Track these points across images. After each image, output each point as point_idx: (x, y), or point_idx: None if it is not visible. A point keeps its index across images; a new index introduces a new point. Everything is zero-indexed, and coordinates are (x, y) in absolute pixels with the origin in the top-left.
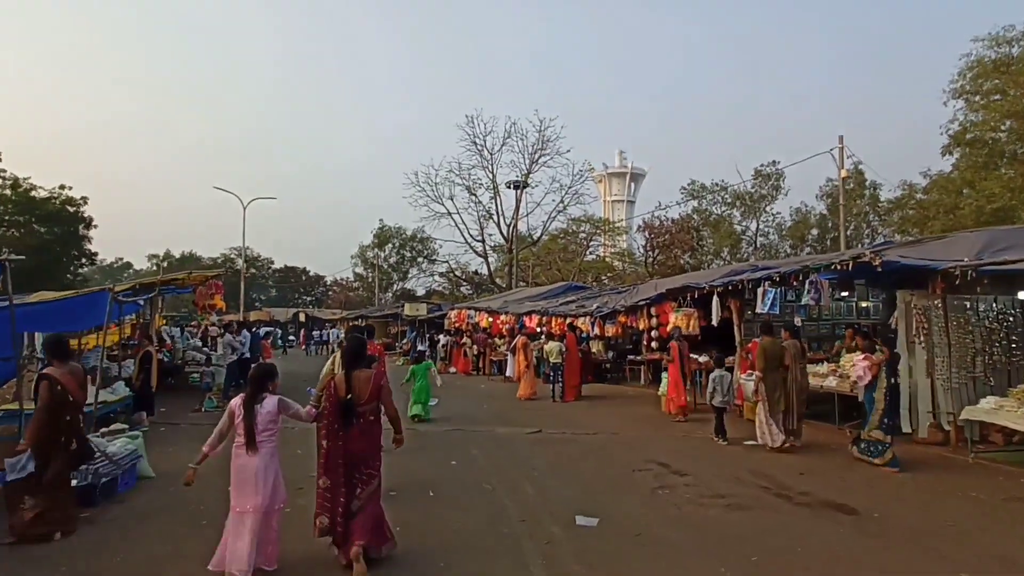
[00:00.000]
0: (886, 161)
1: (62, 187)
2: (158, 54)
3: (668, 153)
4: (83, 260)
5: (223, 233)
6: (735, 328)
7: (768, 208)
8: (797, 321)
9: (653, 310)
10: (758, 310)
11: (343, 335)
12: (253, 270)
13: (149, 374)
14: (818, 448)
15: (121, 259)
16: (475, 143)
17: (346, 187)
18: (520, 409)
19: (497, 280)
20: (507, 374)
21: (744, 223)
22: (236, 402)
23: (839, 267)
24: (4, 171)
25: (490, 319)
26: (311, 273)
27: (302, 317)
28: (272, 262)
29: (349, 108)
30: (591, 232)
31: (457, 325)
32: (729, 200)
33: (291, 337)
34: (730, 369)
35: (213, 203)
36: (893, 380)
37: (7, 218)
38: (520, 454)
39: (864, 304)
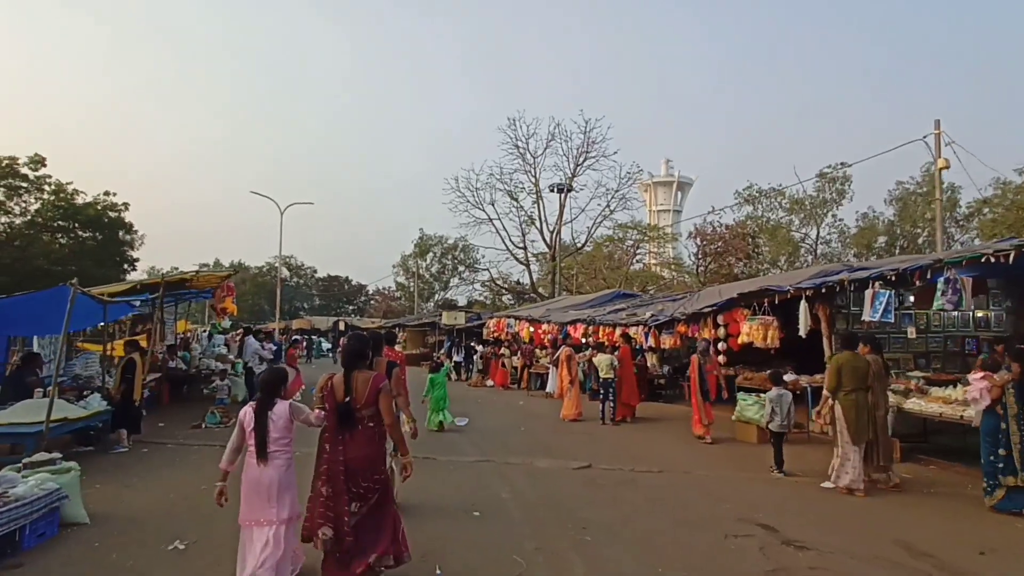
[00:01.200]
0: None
1: (106, 193)
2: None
3: (716, 162)
4: (125, 267)
5: (270, 242)
6: (824, 341)
7: (831, 213)
8: (911, 332)
9: (720, 318)
10: (866, 317)
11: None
12: (297, 279)
13: (131, 385)
14: (940, 495)
15: (176, 267)
16: (517, 146)
17: (390, 195)
18: (564, 433)
19: (540, 290)
20: (548, 390)
21: (804, 230)
22: (246, 411)
23: (993, 258)
24: (49, 176)
25: (531, 329)
26: (353, 282)
27: (341, 326)
28: (315, 271)
29: (391, 116)
30: (638, 240)
31: (495, 335)
32: (787, 205)
33: (327, 346)
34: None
35: (259, 213)
36: None
37: (52, 224)
38: (565, 502)
39: (980, 313)
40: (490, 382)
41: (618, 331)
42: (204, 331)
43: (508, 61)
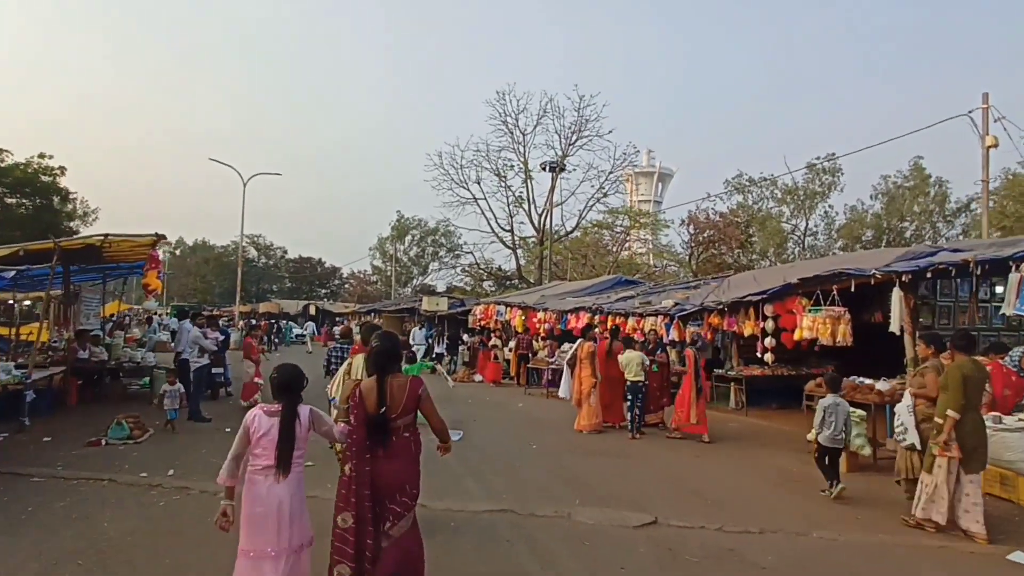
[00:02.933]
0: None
1: (40, 155)
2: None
3: (698, 154)
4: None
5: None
6: (907, 338)
7: (823, 205)
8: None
9: (769, 308)
10: (1009, 310)
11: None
12: (265, 259)
13: None
14: None
15: None
16: (505, 122)
17: (366, 174)
18: (591, 454)
19: (526, 276)
20: (561, 394)
21: (793, 221)
22: (258, 416)
23: None
24: None
25: (523, 317)
26: (327, 264)
27: (312, 310)
28: (286, 252)
29: (365, 90)
30: (629, 226)
31: (484, 323)
32: (779, 196)
33: (299, 331)
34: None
35: (227, 190)
36: None
37: None
38: None
39: None
40: (479, 377)
41: (631, 320)
42: (156, 314)
43: (484, 44)
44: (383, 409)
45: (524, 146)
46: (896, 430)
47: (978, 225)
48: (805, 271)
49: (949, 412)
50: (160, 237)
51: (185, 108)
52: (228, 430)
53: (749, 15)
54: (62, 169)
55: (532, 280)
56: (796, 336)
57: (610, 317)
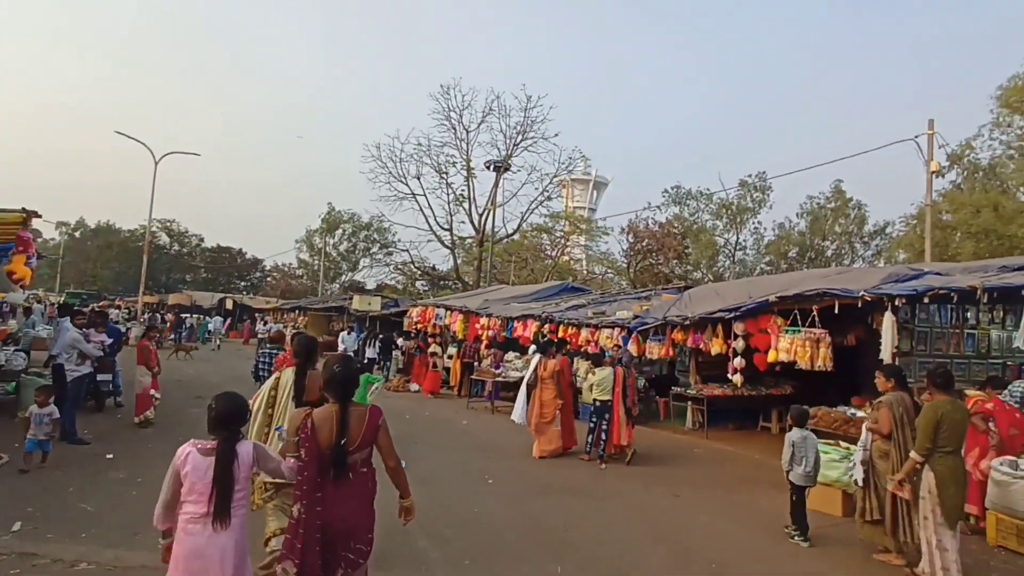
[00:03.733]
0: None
1: None
2: None
3: (631, 165)
4: None
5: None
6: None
7: (751, 220)
8: None
9: (739, 327)
10: (1020, 342)
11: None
12: (179, 247)
13: None
14: None
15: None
16: (449, 117)
17: (296, 163)
18: (558, 493)
19: (464, 278)
20: (515, 418)
21: (726, 235)
22: (187, 453)
23: None
24: None
25: (465, 321)
26: (248, 255)
27: (229, 304)
28: (202, 240)
29: (297, 72)
30: (569, 231)
31: (421, 326)
32: (714, 209)
33: (213, 326)
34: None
35: (139, 170)
36: None
37: None
38: None
39: None
40: (415, 386)
41: (585, 332)
42: (39, 303)
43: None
44: (343, 441)
45: (467, 143)
46: (858, 458)
47: (895, 246)
48: (772, 287)
49: (912, 454)
50: (30, 214)
51: (91, 74)
52: (110, 456)
53: (685, 32)
54: None
55: (469, 282)
56: (770, 358)
57: (561, 327)
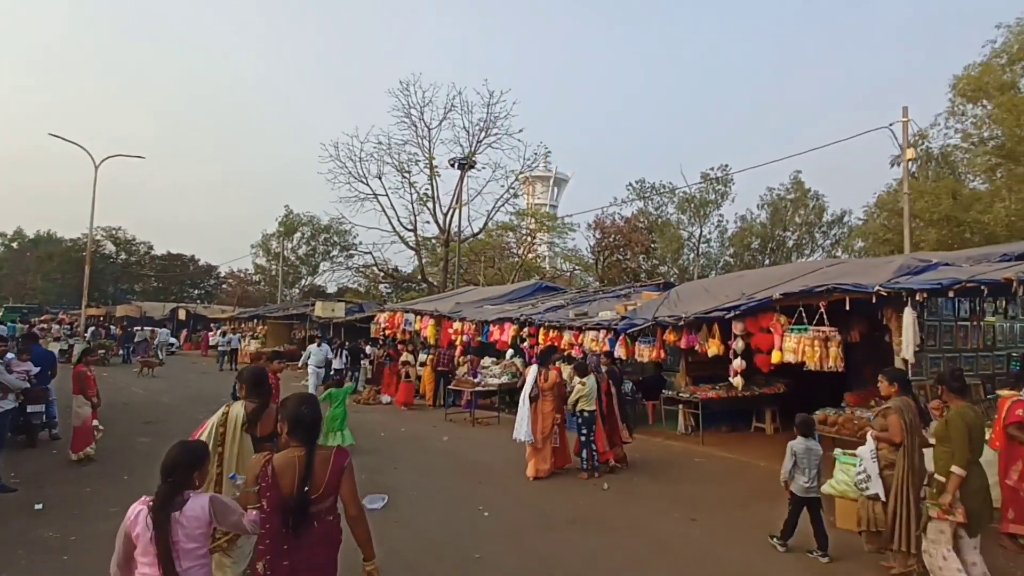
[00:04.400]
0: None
1: None
2: None
3: (593, 161)
4: None
5: (98, 213)
6: (898, 361)
7: (714, 213)
8: None
9: (738, 326)
10: None
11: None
12: (126, 255)
13: None
14: None
15: None
16: (410, 115)
17: (250, 164)
18: (565, 525)
19: (429, 279)
20: (519, 436)
21: (690, 229)
22: (140, 514)
23: None
24: None
25: (436, 327)
26: (201, 262)
27: (182, 314)
28: (151, 247)
29: (248, 67)
30: (535, 229)
31: (389, 332)
32: (678, 203)
33: (170, 339)
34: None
35: (80, 176)
36: None
37: None
38: None
39: None
40: (386, 397)
41: (567, 335)
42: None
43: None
44: (305, 488)
45: (430, 140)
46: (857, 477)
47: (854, 236)
48: (764, 282)
49: (955, 469)
50: None
51: (19, 75)
52: (39, 507)
53: (644, 23)
54: None
55: (435, 283)
56: (774, 359)
57: (541, 330)
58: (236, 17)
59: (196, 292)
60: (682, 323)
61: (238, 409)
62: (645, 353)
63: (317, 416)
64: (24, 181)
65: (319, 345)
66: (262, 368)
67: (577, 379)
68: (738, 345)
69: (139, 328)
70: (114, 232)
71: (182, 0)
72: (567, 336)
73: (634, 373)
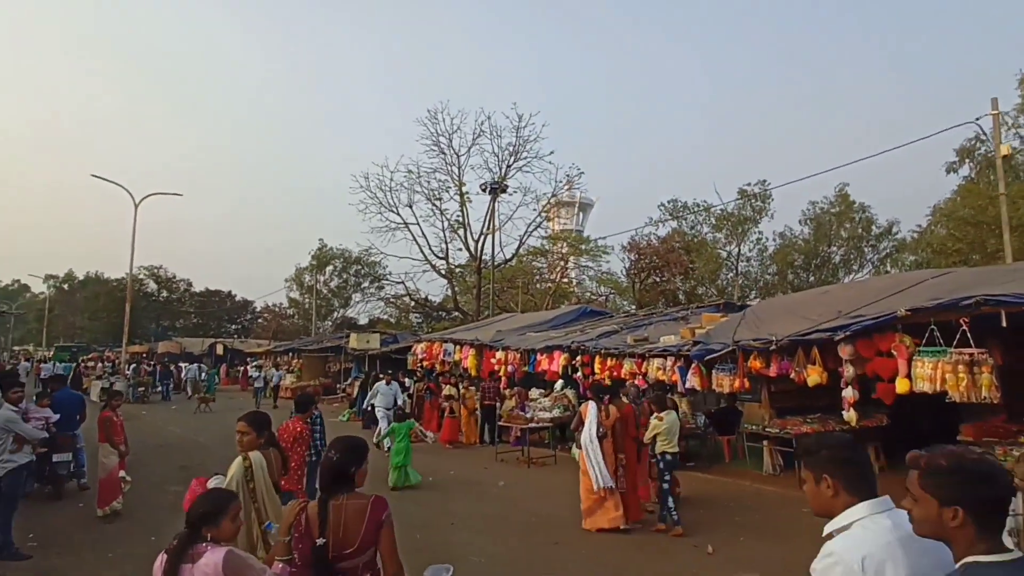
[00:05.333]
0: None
1: None
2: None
3: (619, 183)
4: None
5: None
6: None
7: (751, 231)
8: None
9: (845, 349)
10: None
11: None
12: (167, 293)
13: None
14: None
15: (18, 280)
16: (438, 143)
17: (282, 199)
18: None
19: (463, 307)
20: (599, 483)
21: (728, 248)
22: (161, 559)
23: None
24: None
25: (477, 356)
26: (237, 298)
27: (219, 349)
28: (190, 284)
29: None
30: (568, 253)
31: (428, 364)
32: (713, 222)
33: (205, 376)
34: None
35: (123, 218)
36: None
37: None
38: None
39: None
40: (431, 434)
41: (627, 363)
42: (25, 361)
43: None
44: (320, 539)
45: (459, 167)
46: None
47: (903, 248)
48: (864, 297)
49: None
50: None
51: (76, 128)
52: None
53: (665, 37)
54: None
55: (469, 311)
56: (900, 388)
57: (597, 358)
58: (265, 54)
59: (233, 327)
60: (773, 347)
61: (258, 459)
62: (725, 383)
63: (345, 462)
64: (74, 222)
65: (388, 383)
66: (265, 413)
67: (655, 414)
68: (849, 372)
69: (184, 364)
70: (155, 271)
71: (214, 37)
72: (627, 364)
73: (701, 404)
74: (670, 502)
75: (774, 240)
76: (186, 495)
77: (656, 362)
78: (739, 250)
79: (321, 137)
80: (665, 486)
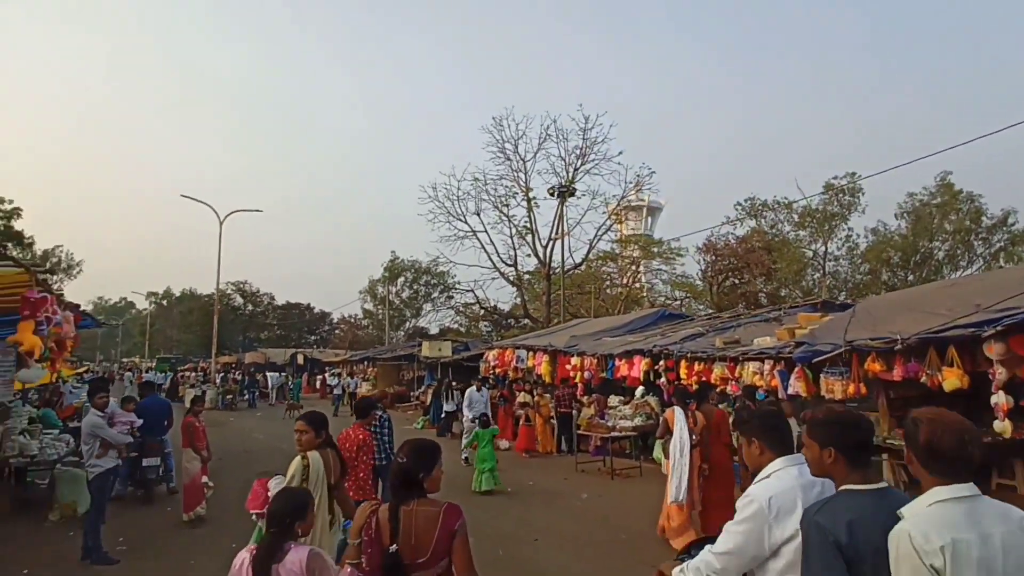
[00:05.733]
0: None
1: (0, 200)
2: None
3: (688, 183)
4: None
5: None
6: None
7: (844, 227)
8: None
9: (996, 347)
10: None
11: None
12: (252, 306)
13: None
14: None
15: (124, 298)
16: (504, 149)
17: (357, 215)
18: None
19: (532, 314)
20: (676, 497)
21: (813, 246)
22: (243, 563)
23: None
24: None
25: (550, 363)
26: (316, 310)
27: (300, 359)
28: (273, 298)
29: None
30: (639, 256)
31: (500, 371)
32: (795, 219)
33: (293, 384)
34: None
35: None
36: None
37: None
38: None
39: None
40: (504, 443)
41: (718, 367)
42: (128, 372)
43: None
44: (394, 548)
45: (525, 173)
46: None
47: (1019, 241)
48: (1004, 289)
49: None
50: (33, 269)
51: (163, 154)
52: None
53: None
54: (16, 211)
55: (538, 318)
56: None
57: (683, 363)
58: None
59: (312, 337)
60: (899, 347)
61: (316, 460)
62: (836, 388)
63: (414, 467)
64: (171, 242)
65: (479, 389)
66: (322, 413)
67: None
68: (1001, 375)
69: (269, 373)
70: (241, 286)
71: (288, 64)
72: (718, 369)
73: (798, 411)
74: None
75: (866, 237)
76: (249, 495)
77: (752, 366)
78: (826, 248)
79: (393, 152)
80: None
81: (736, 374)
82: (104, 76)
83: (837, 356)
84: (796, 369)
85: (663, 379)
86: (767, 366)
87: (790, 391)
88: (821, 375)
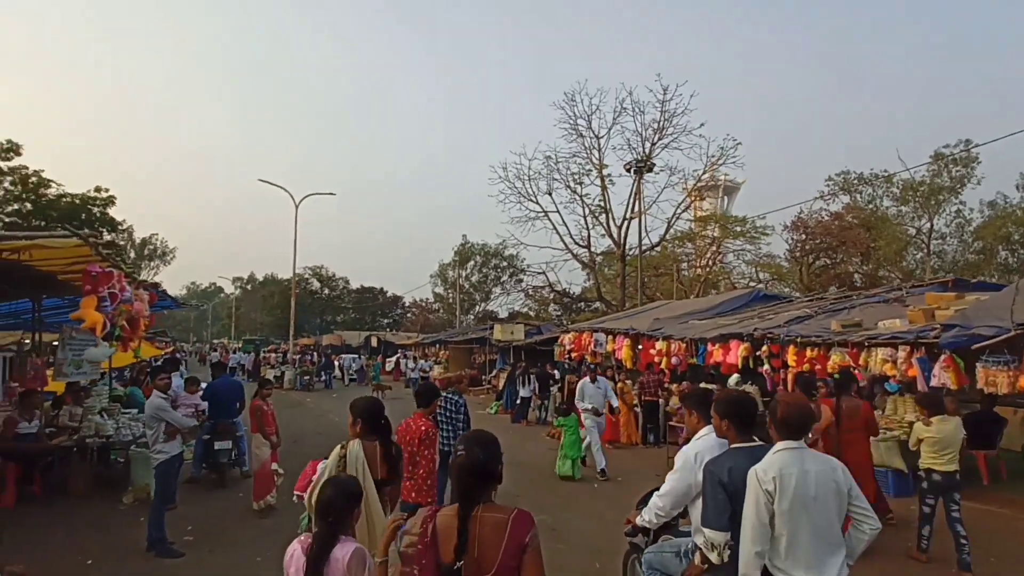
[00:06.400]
0: None
1: (97, 189)
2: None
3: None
4: None
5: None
6: None
7: (957, 201)
8: None
9: None
10: None
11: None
12: (328, 291)
13: None
14: None
15: (213, 283)
16: (576, 126)
17: (429, 197)
18: None
19: (606, 297)
20: None
21: (916, 223)
22: (294, 553)
23: None
24: (26, 168)
25: (633, 347)
26: (388, 294)
27: (374, 341)
28: (348, 282)
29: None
30: (720, 236)
31: (576, 356)
32: (897, 193)
33: (363, 366)
34: None
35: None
36: None
37: (23, 223)
38: None
39: None
40: (582, 432)
41: (836, 353)
42: (214, 352)
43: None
44: (459, 565)
45: (599, 150)
46: None
47: None
48: None
49: None
50: (90, 238)
51: (250, 146)
52: None
53: None
54: (111, 199)
55: (612, 301)
56: None
57: (790, 348)
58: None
59: (385, 321)
60: None
61: (356, 449)
62: (1000, 380)
63: (478, 463)
64: (254, 227)
65: (593, 380)
66: (378, 400)
67: (921, 418)
68: None
69: (344, 355)
70: (318, 270)
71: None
72: (836, 355)
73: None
74: (925, 530)
75: (981, 211)
76: (301, 476)
77: (880, 352)
78: (931, 225)
79: (463, 135)
80: (925, 510)
81: (860, 361)
82: (205, 80)
83: (1003, 342)
84: (943, 357)
85: (766, 366)
86: (902, 353)
87: (934, 382)
88: (978, 364)
